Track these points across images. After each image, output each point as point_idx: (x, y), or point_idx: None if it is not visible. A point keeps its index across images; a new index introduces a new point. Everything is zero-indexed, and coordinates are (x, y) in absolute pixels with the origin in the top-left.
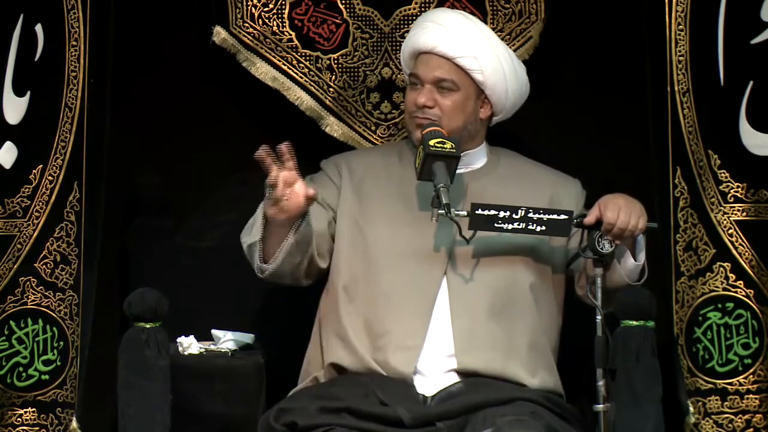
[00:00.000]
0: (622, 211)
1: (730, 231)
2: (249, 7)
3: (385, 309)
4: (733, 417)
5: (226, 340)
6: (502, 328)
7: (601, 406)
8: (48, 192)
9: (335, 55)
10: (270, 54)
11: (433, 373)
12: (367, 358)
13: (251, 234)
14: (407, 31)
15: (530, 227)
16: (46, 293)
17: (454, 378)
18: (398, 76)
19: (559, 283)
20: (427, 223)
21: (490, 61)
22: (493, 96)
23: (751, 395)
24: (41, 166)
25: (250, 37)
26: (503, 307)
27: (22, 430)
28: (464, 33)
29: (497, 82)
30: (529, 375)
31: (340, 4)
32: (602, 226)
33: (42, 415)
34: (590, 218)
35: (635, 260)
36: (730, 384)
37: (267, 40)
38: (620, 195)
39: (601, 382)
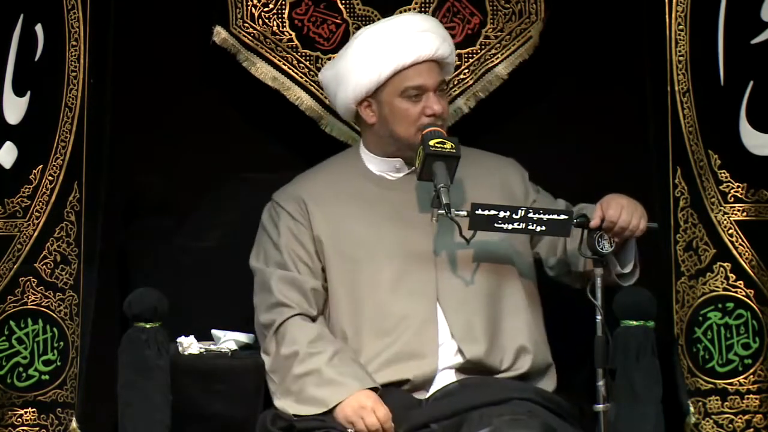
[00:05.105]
0: (624, 210)
1: (731, 231)
2: (249, 7)
3: (393, 335)
4: (733, 417)
5: (226, 340)
6: (499, 323)
7: (601, 406)
8: (48, 192)
9: (335, 55)
10: (270, 54)
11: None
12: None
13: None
14: None
15: (530, 227)
16: (46, 293)
17: (452, 378)
18: None
19: (530, 273)
20: (405, 238)
21: (454, 53)
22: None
23: (751, 395)
24: (41, 166)
25: (250, 37)
26: (495, 305)
27: (22, 430)
28: (445, 32)
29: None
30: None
31: (340, 4)
32: (603, 224)
33: (42, 416)
34: (595, 221)
35: (621, 268)
36: (731, 384)
37: (267, 40)
38: (622, 195)
39: (601, 382)
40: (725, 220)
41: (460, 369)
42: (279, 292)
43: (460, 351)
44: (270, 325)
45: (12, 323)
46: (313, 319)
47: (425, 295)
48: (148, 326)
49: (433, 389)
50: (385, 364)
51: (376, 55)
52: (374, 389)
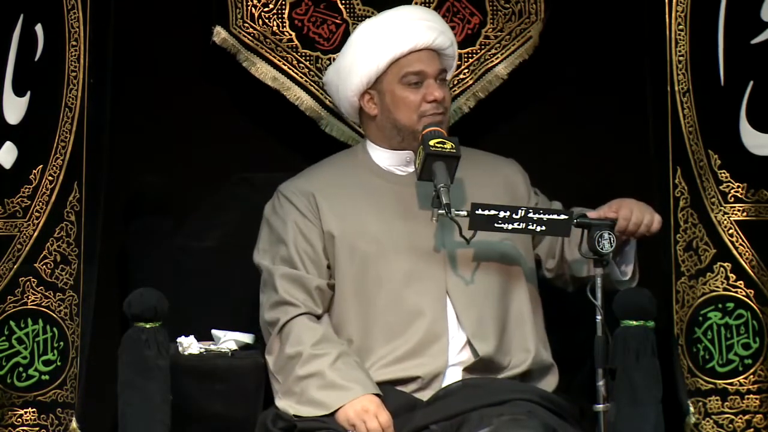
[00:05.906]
0: (636, 207)
1: (731, 231)
2: (249, 7)
3: (405, 331)
4: (733, 417)
5: (226, 340)
6: (506, 322)
7: (601, 406)
8: (48, 192)
9: (335, 55)
10: (270, 54)
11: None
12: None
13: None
14: None
15: (530, 227)
16: (46, 293)
17: (459, 375)
18: None
19: (532, 274)
20: (414, 233)
21: (455, 46)
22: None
23: (751, 395)
24: (41, 166)
25: (250, 37)
26: (502, 304)
27: (22, 430)
28: (444, 23)
29: (454, 66)
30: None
31: (340, 4)
32: (617, 224)
33: (42, 416)
34: (598, 212)
35: (621, 275)
36: (731, 384)
37: (267, 40)
38: (631, 199)
39: (601, 382)
40: (725, 220)
41: (468, 366)
42: (284, 290)
43: (469, 347)
44: (274, 323)
45: (12, 323)
46: (319, 317)
47: (436, 290)
48: (148, 326)
49: (439, 386)
50: (396, 360)
51: (375, 45)
52: (377, 395)
